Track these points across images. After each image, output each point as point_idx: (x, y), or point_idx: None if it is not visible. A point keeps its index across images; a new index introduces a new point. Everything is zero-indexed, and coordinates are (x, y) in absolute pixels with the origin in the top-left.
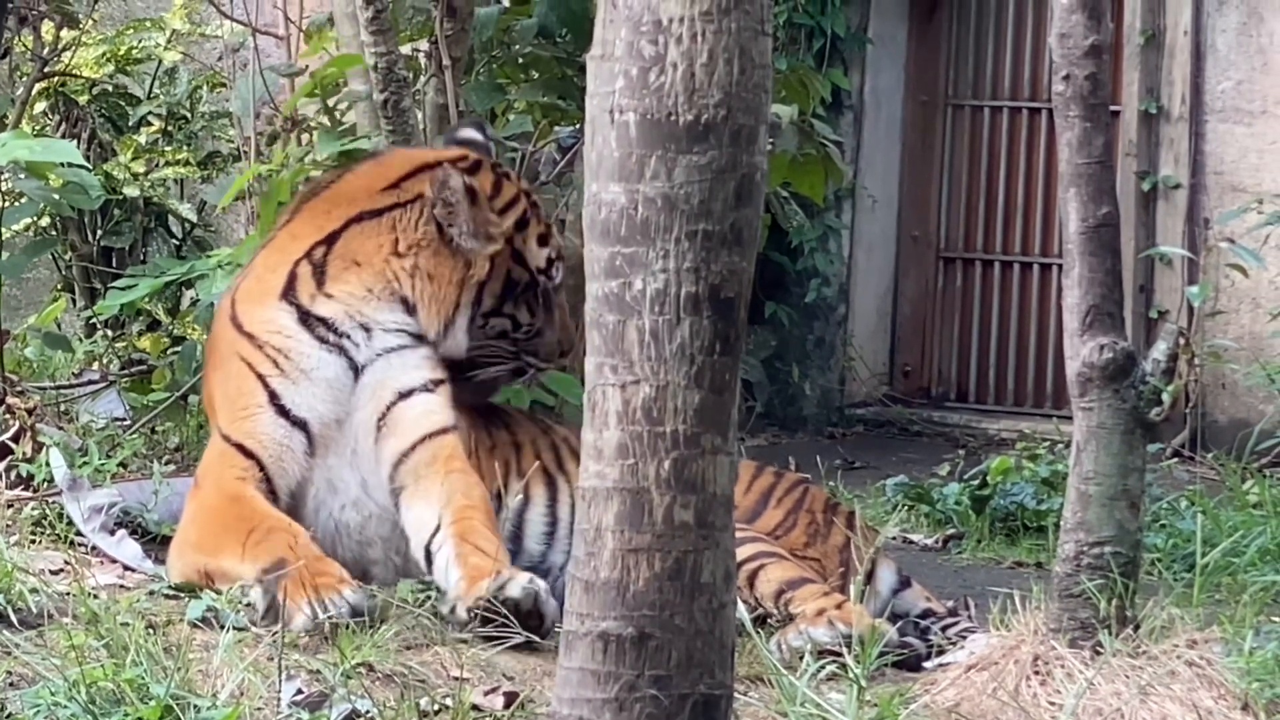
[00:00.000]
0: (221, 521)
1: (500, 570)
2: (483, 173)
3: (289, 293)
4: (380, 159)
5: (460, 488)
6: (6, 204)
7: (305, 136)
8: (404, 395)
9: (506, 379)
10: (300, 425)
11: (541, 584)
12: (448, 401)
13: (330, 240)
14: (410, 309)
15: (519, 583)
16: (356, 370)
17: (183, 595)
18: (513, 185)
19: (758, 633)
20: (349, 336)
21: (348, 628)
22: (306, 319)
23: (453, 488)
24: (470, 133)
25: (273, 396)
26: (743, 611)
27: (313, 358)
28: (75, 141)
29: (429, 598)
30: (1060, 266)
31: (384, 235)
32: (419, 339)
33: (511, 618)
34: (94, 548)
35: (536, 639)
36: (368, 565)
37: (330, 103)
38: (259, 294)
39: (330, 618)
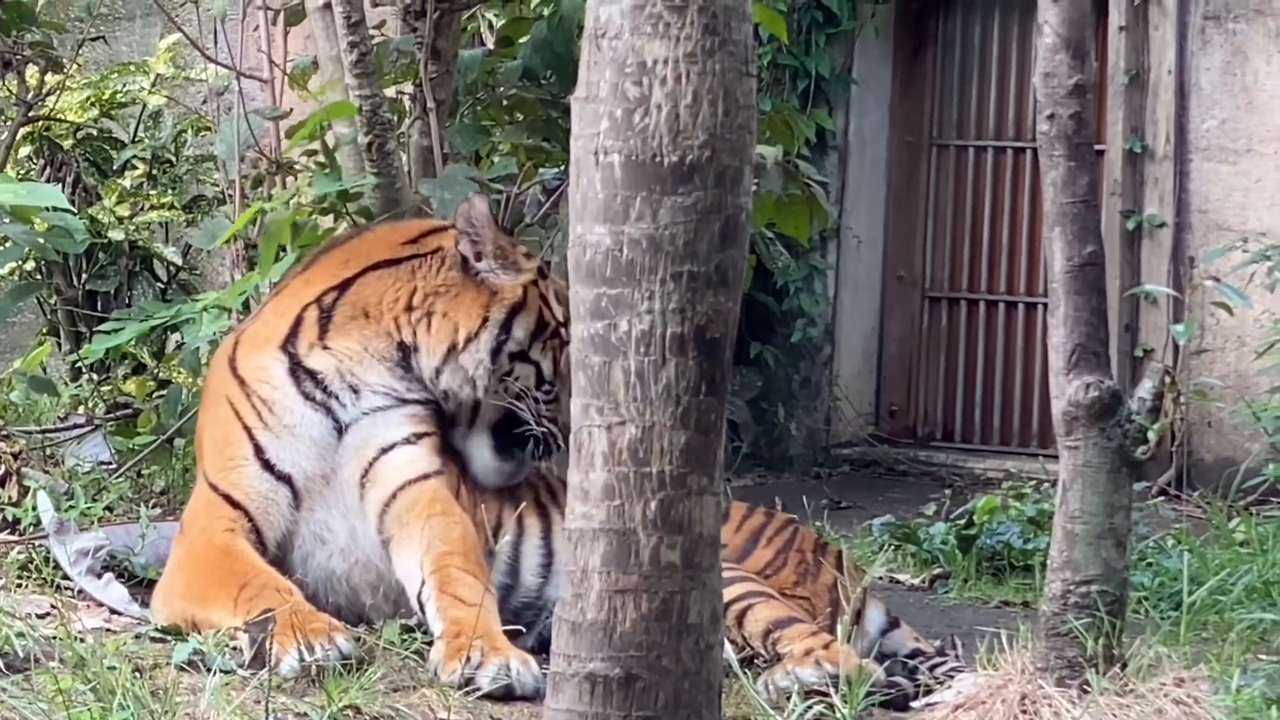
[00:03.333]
0: (212, 574)
1: (477, 644)
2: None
3: (289, 341)
4: (398, 222)
5: (439, 533)
6: None
7: (291, 179)
8: (385, 450)
9: (535, 452)
10: (285, 479)
11: (515, 666)
12: (431, 451)
13: (344, 286)
14: (406, 356)
15: (488, 673)
16: (340, 429)
17: (169, 638)
18: (524, 246)
19: (745, 673)
20: (336, 397)
21: (335, 671)
22: (296, 371)
23: (432, 534)
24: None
25: (258, 450)
26: (730, 652)
27: (297, 413)
28: (60, 185)
29: (416, 640)
30: (1045, 305)
31: (402, 283)
32: (403, 401)
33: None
34: (80, 591)
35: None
36: (362, 611)
37: (316, 145)
38: (261, 339)
39: (318, 660)
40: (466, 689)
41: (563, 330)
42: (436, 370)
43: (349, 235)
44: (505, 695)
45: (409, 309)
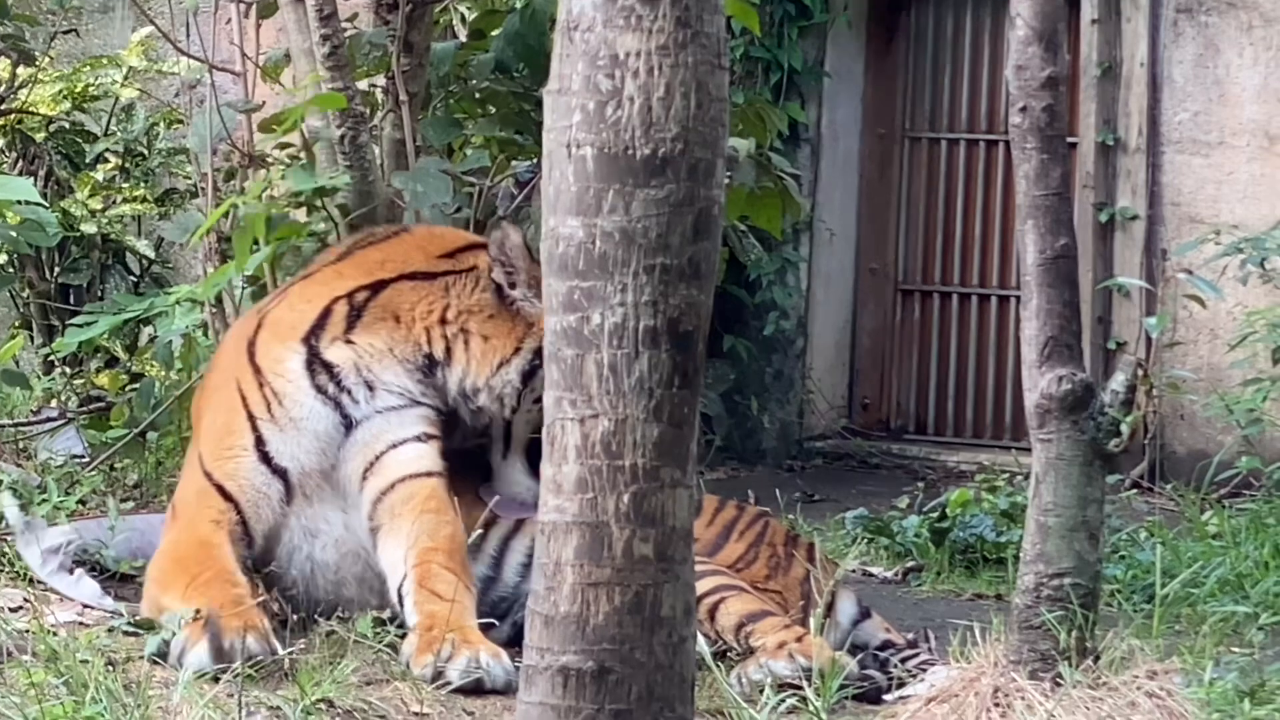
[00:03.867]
0: (182, 564)
1: (449, 637)
2: None
3: (313, 334)
4: (435, 230)
5: (428, 528)
6: None
7: (263, 172)
8: (395, 445)
9: None
10: (280, 474)
11: (486, 659)
12: (437, 453)
13: (377, 288)
14: (431, 367)
15: (458, 665)
16: (350, 425)
17: (142, 632)
18: None
19: (718, 666)
20: (350, 392)
21: (307, 663)
22: (313, 364)
23: (421, 529)
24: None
25: (259, 441)
26: (703, 645)
27: (305, 407)
28: (32, 179)
29: (389, 633)
30: (1018, 298)
31: (435, 298)
32: (416, 403)
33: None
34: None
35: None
36: (342, 604)
37: (288, 139)
38: (285, 327)
39: (225, 658)
40: (437, 682)
41: None
42: (466, 387)
43: (386, 235)
44: (475, 688)
45: (442, 323)
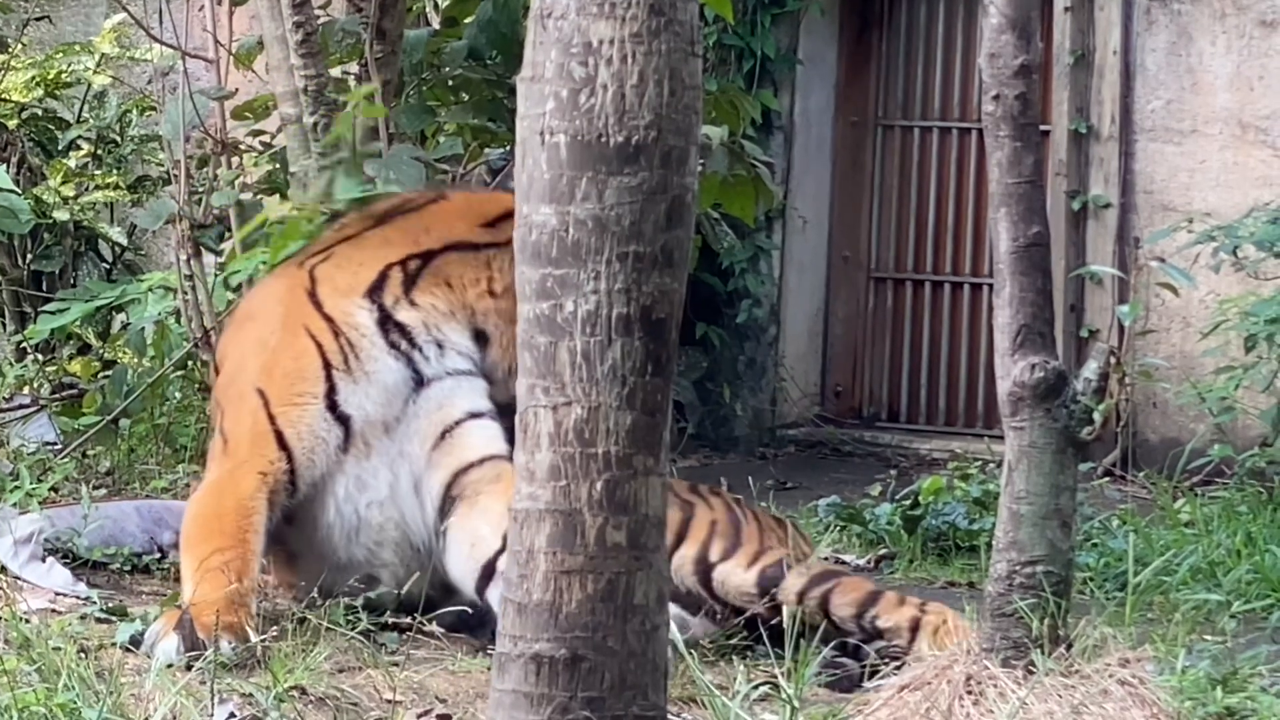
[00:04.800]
0: (211, 528)
1: None
2: None
3: (375, 291)
4: (471, 196)
5: None
6: None
7: (235, 160)
8: (474, 415)
9: None
10: (343, 421)
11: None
12: (505, 436)
13: (426, 257)
14: (483, 343)
15: None
16: (421, 381)
17: (114, 619)
18: None
19: (690, 655)
20: (421, 349)
21: (280, 651)
22: (385, 323)
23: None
24: None
25: (331, 390)
26: (675, 633)
27: (379, 361)
28: (4, 166)
29: (361, 620)
30: (991, 286)
31: (480, 271)
32: (480, 373)
33: None
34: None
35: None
36: (377, 568)
37: (261, 126)
38: (345, 284)
39: (192, 655)
40: None
41: None
42: (503, 369)
43: (424, 200)
44: None
45: (491, 295)
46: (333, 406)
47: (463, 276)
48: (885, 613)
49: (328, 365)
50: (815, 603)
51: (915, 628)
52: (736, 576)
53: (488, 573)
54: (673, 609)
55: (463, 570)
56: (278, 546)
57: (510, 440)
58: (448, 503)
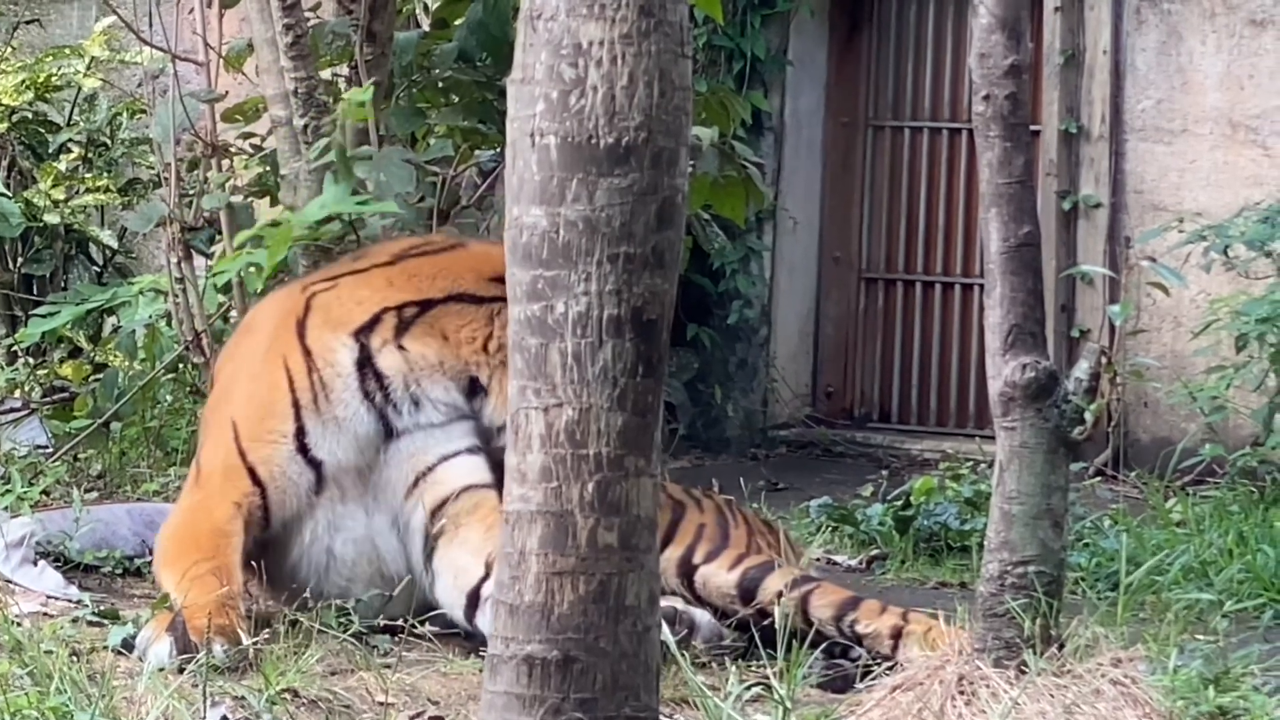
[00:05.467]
0: (188, 546)
1: None
2: None
3: (364, 332)
4: (492, 248)
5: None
6: None
7: (225, 162)
8: (448, 457)
9: None
10: (315, 465)
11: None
12: (489, 466)
13: (426, 305)
14: (478, 394)
15: None
16: (391, 433)
17: (106, 622)
18: None
19: (682, 655)
20: (395, 404)
21: (272, 654)
22: (365, 366)
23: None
24: None
25: (300, 432)
26: (667, 635)
27: (350, 408)
28: None
29: (354, 623)
30: (982, 286)
31: (480, 325)
32: (465, 417)
33: None
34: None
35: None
36: (349, 600)
37: (251, 128)
38: (336, 318)
39: (184, 658)
40: None
41: None
42: (497, 422)
43: (442, 246)
44: None
45: (484, 350)
46: (303, 449)
47: (460, 329)
48: (865, 618)
49: (297, 404)
50: (794, 604)
51: (897, 635)
52: (719, 578)
53: (473, 600)
54: (696, 612)
55: (450, 601)
56: (249, 572)
57: (495, 471)
58: (430, 540)
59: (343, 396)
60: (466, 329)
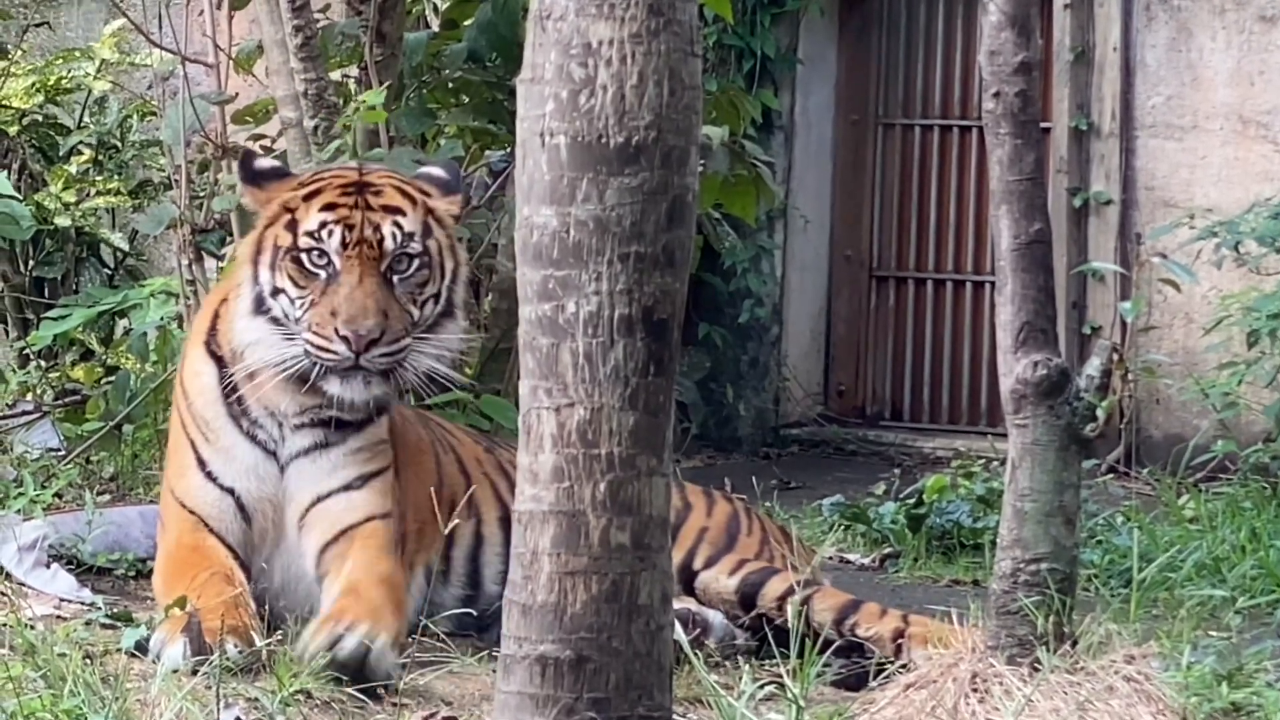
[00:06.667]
0: (180, 569)
1: (342, 620)
2: None
3: (210, 339)
4: None
5: (363, 562)
6: None
7: (236, 164)
8: (321, 498)
9: None
10: (230, 492)
11: (381, 641)
12: (375, 493)
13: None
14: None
15: (351, 640)
16: (279, 464)
17: (119, 624)
18: None
19: (696, 655)
20: (262, 426)
21: (284, 655)
22: (227, 387)
23: (356, 562)
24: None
25: (201, 461)
26: (680, 634)
27: (230, 438)
28: (5, 172)
29: None
30: (993, 284)
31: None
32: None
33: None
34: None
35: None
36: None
37: (262, 130)
38: (195, 327)
39: (198, 660)
40: (329, 653)
41: None
42: None
43: None
44: (361, 664)
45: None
46: (210, 477)
47: None
48: (866, 622)
49: (192, 443)
50: (794, 608)
51: (899, 638)
52: (718, 584)
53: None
54: (709, 613)
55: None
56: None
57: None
58: (319, 582)
59: (220, 427)
60: None
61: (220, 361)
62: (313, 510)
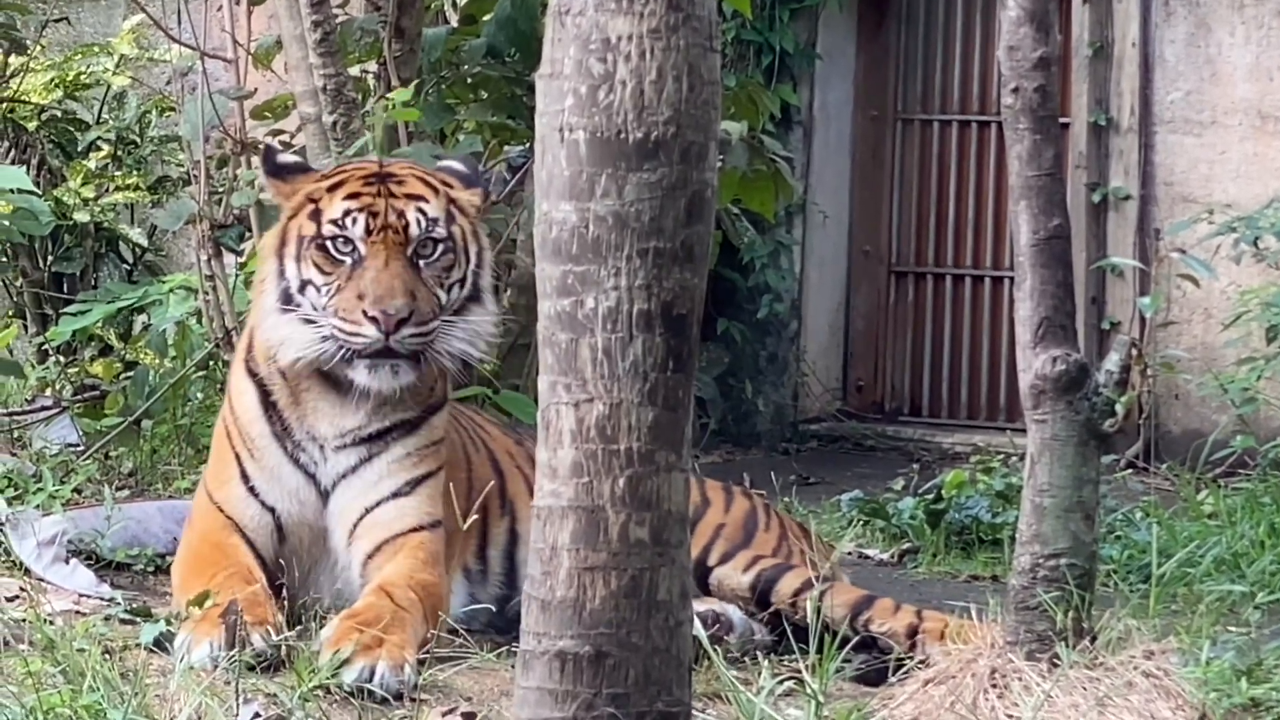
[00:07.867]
0: (200, 567)
1: (350, 643)
2: None
3: (250, 358)
4: None
5: (405, 569)
6: None
7: (255, 160)
8: (369, 509)
9: None
10: (270, 510)
11: (382, 669)
12: (424, 499)
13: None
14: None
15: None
16: (321, 491)
17: (138, 619)
18: None
19: (715, 650)
20: (304, 449)
21: (304, 651)
22: (269, 409)
23: (396, 566)
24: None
25: (244, 475)
26: (699, 629)
27: (276, 461)
28: (25, 168)
29: None
30: (1011, 279)
31: None
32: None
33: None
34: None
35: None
36: None
37: (280, 125)
38: (241, 345)
39: (230, 656)
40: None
41: None
42: None
43: None
44: (366, 690)
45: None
46: (253, 492)
47: None
48: (879, 617)
49: (238, 456)
50: (813, 604)
51: (913, 633)
52: (732, 580)
53: None
54: (730, 609)
55: None
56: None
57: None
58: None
59: (266, 449)
60: None
61: (259, 381)
62: (363, 521)
